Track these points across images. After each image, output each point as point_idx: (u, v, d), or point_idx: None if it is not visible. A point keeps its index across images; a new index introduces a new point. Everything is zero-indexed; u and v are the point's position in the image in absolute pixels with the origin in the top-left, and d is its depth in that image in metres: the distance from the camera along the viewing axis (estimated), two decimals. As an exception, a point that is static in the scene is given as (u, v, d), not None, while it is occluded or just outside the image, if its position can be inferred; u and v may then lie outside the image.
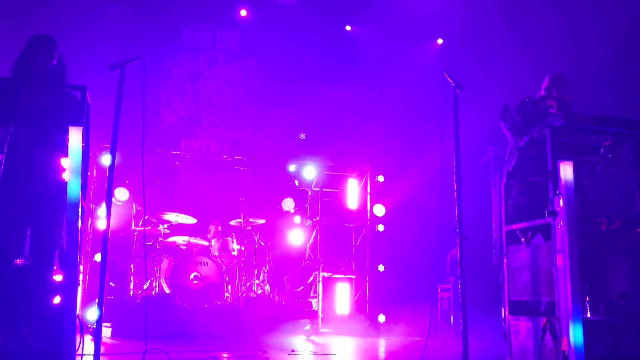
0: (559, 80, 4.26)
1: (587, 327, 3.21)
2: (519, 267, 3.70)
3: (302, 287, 8.64)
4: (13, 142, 3.45)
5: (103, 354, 3.42)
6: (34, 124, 3.57)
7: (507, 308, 3.77)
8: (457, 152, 4.05)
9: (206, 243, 7.86)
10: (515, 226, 3.75)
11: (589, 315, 3.40)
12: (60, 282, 3.01)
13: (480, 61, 8.36)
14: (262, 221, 8.26)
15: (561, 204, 3.28)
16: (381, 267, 8.89)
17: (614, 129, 3.56)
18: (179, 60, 9.17)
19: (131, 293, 7.38)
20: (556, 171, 3.33)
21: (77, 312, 3.06)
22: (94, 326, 3.44)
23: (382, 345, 6.77)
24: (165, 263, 7.46)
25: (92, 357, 3.31)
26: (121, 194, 7.82)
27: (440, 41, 9.70)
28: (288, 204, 8.88)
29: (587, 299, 3.41)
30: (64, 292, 2.97)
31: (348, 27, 9.54)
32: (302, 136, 9.07)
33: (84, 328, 3.41)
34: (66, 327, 2.92)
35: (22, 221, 3.64)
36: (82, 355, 3.42)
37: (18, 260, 3.61)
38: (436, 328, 7.92)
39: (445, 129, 4.16)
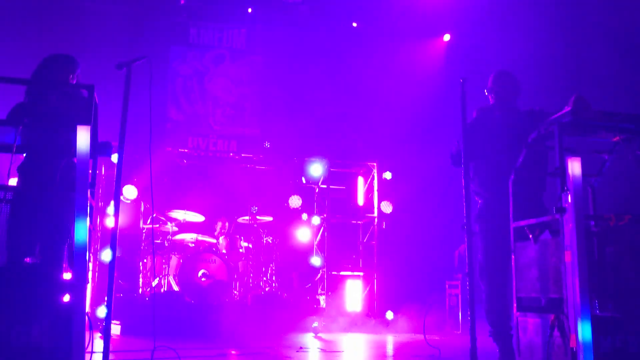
0: (500, 77, 4.39)
1: (596, 324, 3.19)
2: (526, 264, 3.69)
3: (309, 285, 8.65)
4: (22, 142, 3.48)
5: (112, 352, 3.44)
6: (43, 124, 3.60)
7: (514, 305, 3.76)
8: (465, 148, 4.04)
9: (214, 241, 7.88)
10: (522, 222, 3.73)
11: (597, 312, 3.38)
12: (69, 280, 3.03)
13: (488, 57, 8.32)
14: (270, 219, 8.27)
15: (569, 200, 3.26)
16: (389, 264, 8.88)
17: (622, 125, 3.53)
18: (185, 59, 9.19)
19: (140, 291, 7.42)
20: (564, 167, 3.31)
21: (87, 310, 3.08)
22: (104, 324, 3.46)
23: (390, 342, 6.77)
24: (173, 261, 7.49)
25: (101, 355, 3.33)
26: (129, 192, 7.85)
27: (447, 37, 9.67)
28: (295, 202, 8.89)
29: (596, 295, 3.39)
30: (73, 290, 2.99)
31: (354, 24, 9.53)
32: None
33: (93, 326, 3.43)
34: (75, 325, 2.94)
35: (31, 220, 3.67)
36: (92, 352, 3.45)
37: (28, 259, 3.64)
38: (444, 325, 7.91)
39: (453, 125, 4.16)
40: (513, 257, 3.80)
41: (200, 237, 7.76)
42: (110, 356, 3.38)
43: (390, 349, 6.16)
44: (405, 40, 9.33)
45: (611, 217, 3.50)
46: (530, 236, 3.65)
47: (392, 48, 9.28)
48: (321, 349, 5.69)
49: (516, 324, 3.72)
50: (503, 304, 4.04)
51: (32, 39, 6.55)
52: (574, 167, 3.29)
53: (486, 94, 4.45)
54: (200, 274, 7.27)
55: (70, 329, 2.94)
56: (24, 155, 3.75)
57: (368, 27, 9.46)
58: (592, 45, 7.21)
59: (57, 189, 3.56)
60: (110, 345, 3.39)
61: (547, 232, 3.62)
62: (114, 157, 7.56)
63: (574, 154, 3.34)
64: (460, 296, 7.79)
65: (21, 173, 3.75)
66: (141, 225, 7.79)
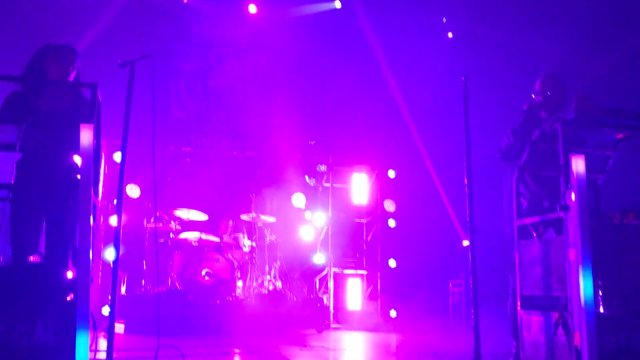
0: (548, 80, 4.33)
1: (600, 322, 3.19)
2: (530, 262, 3.68)
3: (313, 283, 8.65)
4: (25, 140, 3.48)
5: (116, 350, 3.45)
6: (46, 122, 3.59)
7: (518, 303, 3.75)
8: (467, 146, 4.04)
9: (217, 239, 7.89)
10: (526, 221, 3.72)
11: (601, 310, 3.38)
12: (73, 278, 3.03)
13: (492, 53, 8.30)
14: (273, 219, 8.28)
15: (573, 198, 3.25)
16: (392, 263, 8.87)
17: (626, 122, 3.52)
18: (188, 57, 9.18)
19: (143, 290, 7.42)
20: (568, 165, 3.30)
21: (90, 309, 3.08)
22: (107, 322, 3.46)
23: (393, 340, 6.77)
24: (177, 259, 7.50)
25: (105, 353, 3.34)
26: (132, 190, 7.86)
27: (450, 35, 9.64)
28: (299, 200, 8.89)
29: (600, 293, 3.39)
30: (77, 289, 2.99)
31: (357, 21, 9.51)
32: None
33: (97, 324, 3.43)
34: (80, 323, 2.95)
35: (35, 218, 3.68)
36: (96, 351, 3.46)
37: (32, 257, 3.64)
38: (448, 324, 7.91)
39: (457, 123, 4.14)
40: (517, 255, 3.79)
41: (204, 236, 7.76)
42: (114, 355, 3.39)
43: (393, 347, 6.16)
44: (409, 38, 9.31)
45: (615, 215, 3.49)
46: (534, 234, 3.64)
47: (396, 46, 9.26)
48: (325, 347, 5.68)
49: (520, 322, 3.71)
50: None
51: (33, 36, 6.55)
52: (578, 164, 3.28)
53: (533, 96, 4.38)
54: (203, 272, 7.28)
55: (75, 328, 2.94)
56: (24, 152, 3.72)
57: (371, 25, 9.44)
58: (601, 42, 7.17)
59: (61, 187, 3.56)
60: (114, 343, 3.39)
61: (551, 230, 3.61)
62: (117, 156, 7.60)
63: (578, 151, 3.33)
64: (463, 295, 7.78)
65: (21, 170, 3.72)
66: (144, 224, 7.80)
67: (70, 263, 3.42)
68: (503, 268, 4.42)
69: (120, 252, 3.55)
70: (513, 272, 4.22)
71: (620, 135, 3.65)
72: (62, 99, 3.72)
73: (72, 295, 3.02)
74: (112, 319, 3.43)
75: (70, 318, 2.96)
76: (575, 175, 3.26)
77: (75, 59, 3.97)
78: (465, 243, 8.20)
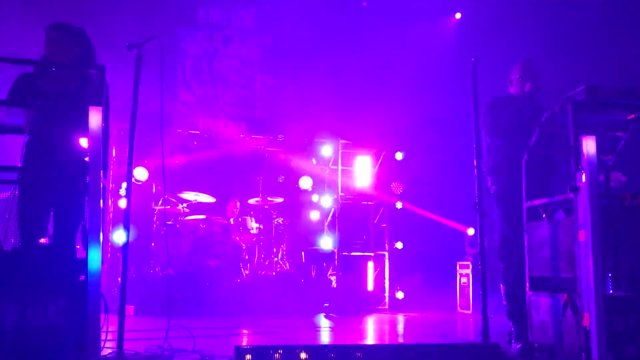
0: (527, 67, 4.27)
1: (609, 303, 3.19)
2: (539, 244, 3.68)
3: (321, 265, 8.68)
4: (35, 123, 3.49)
5: (127, 331, 3.48)
6: (55, 105, 3.59)
7: (527, 284, 3.75)
8: (476, 128, 4.01)
9: (225, 222, 7.92)
10: (536, 202, 3.71)
11: (610, 291, 3.38)
12: (84, 260, 3.06)
13: (500, 35, 8.21)
14: (280, 200, 8.29)
15: (583, 179, 3.23)
16: (399, 245, 8.89)
17: (637, 103, 3.49)
18: (194, 40, 9.14)
19: (152, 271, 7.47)
20: (578, 146, 3.28)
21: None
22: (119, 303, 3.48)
23: (400, 321, 6.81)
24: (185, 242, 7.54)
25: (117, 334, 3.38)
26: (140, 174, 7.88)
27: (458, 15, 9.54)
28: (306, 183, 8.89)
29: (609, 275, 3.38)
30: (88, 271, 3.02)
31: (364, 3, 9.42)
32: None
33: (107, 306, 3.46)
34: (91, 304, 2.97)
35: (45, 201, 3.69)
36: (107, 332, 3.49)
37: (42, 240, 3.67)
38: (455, 305, 7.94)
39: (465, 104, 4.12)
40: (526, 236, 3.78)
41: (212, 218, 7.79)
42: (125, 335, 3.42)
43: (401, 328, 6.19)
44: (416, 19, 9.21)
45: (626, 196, 3.47)
46: (544, 216, 3.63)
47: (402, 27, 9.17)
48: (332, 329, 5.72)
49: (529, 303, 3.72)
50: (522, 283, 3.99)
51: (37, 19, 6.52)
52: (589, 145, 3.26)
53: (521, 79, 4.27)
54: (211, 254, 7.32)
55: (86, 309, 2.97)
56: (32, 135, 3.72)
57: (378, 6, 9.35)
58: (608, 23, 7.07)
59: (70, 170, 3.57)
60: (124, 325, 3.43)
61: (560, 212, 3.60)
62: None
63: (589, 132, 3.30)
64: (471, 276, 7.79)
65: (29, 153, 3.72)
66: (152, 206, 7.83)
67: (81, 245, 3.45)
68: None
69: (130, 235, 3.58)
70: (503, 255, 4.20)
71: (631, 116, 3.62)
72: (70, 81, 3.71)
73: (83, 277, 3.05)
74: (123, 300, 3.46)
75: (82, 299, 2.99)
76: (585, 156, 3.25)
77: (76, 37, 3.93)
78: (471, 232, 8.19)
